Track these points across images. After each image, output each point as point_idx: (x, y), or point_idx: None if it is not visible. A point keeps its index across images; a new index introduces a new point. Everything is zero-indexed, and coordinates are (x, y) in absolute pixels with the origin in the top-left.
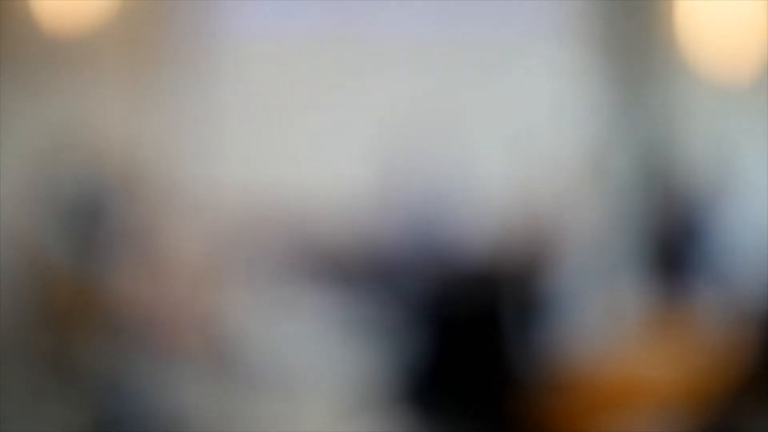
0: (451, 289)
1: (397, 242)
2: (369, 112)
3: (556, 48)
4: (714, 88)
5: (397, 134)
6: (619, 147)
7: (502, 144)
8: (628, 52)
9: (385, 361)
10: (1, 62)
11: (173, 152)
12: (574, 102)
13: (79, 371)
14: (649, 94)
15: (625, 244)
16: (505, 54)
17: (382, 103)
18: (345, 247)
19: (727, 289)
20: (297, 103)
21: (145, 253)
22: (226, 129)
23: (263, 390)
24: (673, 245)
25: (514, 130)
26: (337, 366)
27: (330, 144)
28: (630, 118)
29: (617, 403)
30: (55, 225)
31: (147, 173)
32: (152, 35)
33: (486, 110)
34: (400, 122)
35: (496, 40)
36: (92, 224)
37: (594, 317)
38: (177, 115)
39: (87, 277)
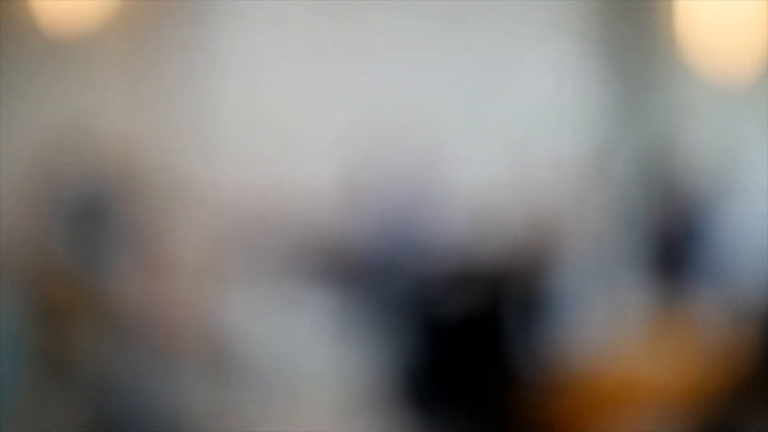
0: (452, 289)
1: (398, 241)
2: (369, 111)
3: (556, 48)
4: (714, 88)
5: (393, 133)
6: (619, 147)
7: (503, 144)
8: (628, 52)
9: (385, 361)
10: (1, 62)
11: (173, 151)
12: (574, 102)
13: (79, 371)
14: (649, 94)
15: (626, 243)
16: (505, 54)
17: (381, 103)
18: (345, 247)
19: (727, 289)
20: (298, 102)
21: (145, 252)
22: (225, 128)
23: (263, 389)
24: (674, 245)
25: (514, 129)
26: (336, 366)
27: (330, 143)
28: (630, 117)
29: (617, 403)
30: (55, 224)
31: (147, 172)
32: (152, 35)
33: (486, 110)
34: (397, 121)
35: (496, 40)
36: (92, 223)
37: (594, 317)
38: (177, 114)
39: (87, 276)
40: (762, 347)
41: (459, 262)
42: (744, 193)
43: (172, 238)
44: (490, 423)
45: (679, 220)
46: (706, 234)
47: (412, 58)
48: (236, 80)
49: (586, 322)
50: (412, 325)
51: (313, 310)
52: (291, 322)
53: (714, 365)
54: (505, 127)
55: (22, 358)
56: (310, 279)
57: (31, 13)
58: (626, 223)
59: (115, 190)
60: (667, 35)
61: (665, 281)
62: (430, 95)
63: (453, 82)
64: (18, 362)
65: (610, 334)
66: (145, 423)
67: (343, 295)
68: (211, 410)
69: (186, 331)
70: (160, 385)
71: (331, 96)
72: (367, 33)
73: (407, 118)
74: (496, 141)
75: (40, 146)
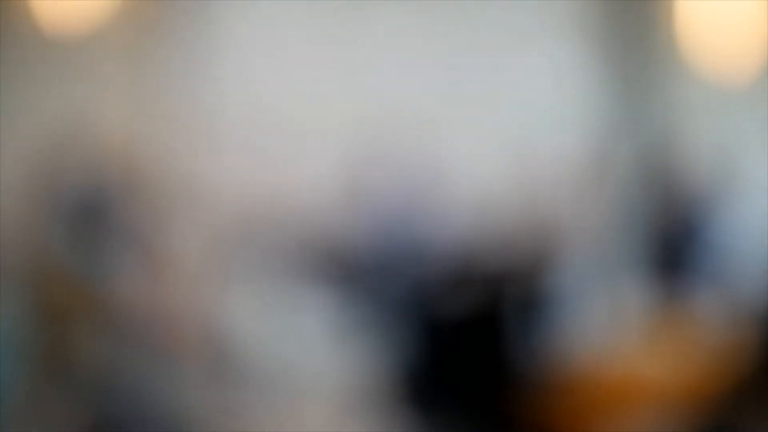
0: (452, 289)
1: (398, 241)
2: (369, 110)
3: (557, 48)
4: (714, 88)
5: (393, 132)
6: (619, 146)
7: (503, 144)
8: (628, 52)
9: (385, 361)
10: (1, 62)
11: (173, 151)
12: (574, 102)
13: (79, 371)
14: (649, 94)
15: (626, 243)
16: (505, 54)
17: (382, 102)
18: (345, 246)
19: (727, 289)
20: (298, 101)
21: (145, 251)
22: (225, 128)
23: (263, 389)
24: (674, 245)
25: (515, 129)
26: (336, 366)
27: (331, 142)
28: (630, 117)
29: (617, 403)
30: (56, 224)
31: (147, 172)
32: (152, 35)
33: (486, 110)
34: (398, 121)
35: (496, 40)
36: (93, 223)
37: (594, 317)
38: (177, 113)
39: (87, 276)
40: (762, 347)
41: (459, 262)
42: (744, 193)
43: (172, 237)
44: (490, 423)
45: (679, 220)
46: (706, 234)
47: (412, 57)
48: (236, 79)
49: (586, 322)
50: (412, 325)
51: (313, 310)
52: (291, 322)
53: (714, 365)
54: (506, 127)
55: (22, 358)
56: (310, 279)
57: (31, 13)
58: (626, 223)
59: (115, 190)
60: (667, 35)
61: (665, 281)
62: (431, 94)
63: (453, 82)
64: (18, 362)
65: (610, 334)
66: (145, 423)
67: (343, 295)
68: (212, 410)
69: (186, 331)
70: (160, 385)
71: (332, 95)
72: (368, 32)
73: (408, 117)
74: (496, 141)
75: (40, 146)
